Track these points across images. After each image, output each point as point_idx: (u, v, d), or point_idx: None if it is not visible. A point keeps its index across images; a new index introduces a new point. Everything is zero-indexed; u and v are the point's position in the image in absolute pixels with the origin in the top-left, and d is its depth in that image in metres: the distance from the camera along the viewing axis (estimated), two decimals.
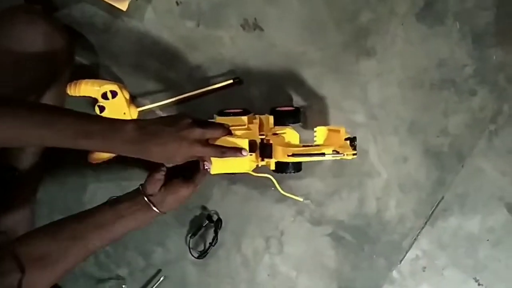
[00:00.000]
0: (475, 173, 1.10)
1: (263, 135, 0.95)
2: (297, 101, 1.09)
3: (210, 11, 1.08)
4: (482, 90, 1.07)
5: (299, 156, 0.88)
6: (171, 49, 1.09)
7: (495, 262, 1.13)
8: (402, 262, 1.14)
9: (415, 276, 1.15)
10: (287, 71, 1.08)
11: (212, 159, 0.86)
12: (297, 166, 0.99)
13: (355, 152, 0.87)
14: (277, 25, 1.07)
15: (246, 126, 0.91)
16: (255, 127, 0.92)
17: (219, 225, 1.14)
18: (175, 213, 1.15)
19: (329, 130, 0.96)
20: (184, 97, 1.07)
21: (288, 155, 0.88)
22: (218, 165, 0.87)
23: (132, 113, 1.03)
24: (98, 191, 1.17)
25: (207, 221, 1.14)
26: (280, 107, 1.01)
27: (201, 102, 1.10)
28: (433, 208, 1.12)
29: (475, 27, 1.05)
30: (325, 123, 1.08)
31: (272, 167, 0.99)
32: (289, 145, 0.95)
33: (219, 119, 0.92)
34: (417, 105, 1.08)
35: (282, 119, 0.99)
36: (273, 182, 1.03)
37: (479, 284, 1.14)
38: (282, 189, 1.05)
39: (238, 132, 0.89)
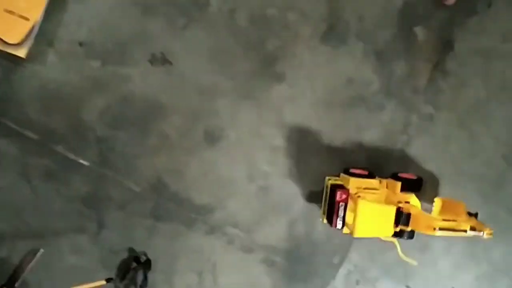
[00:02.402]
0: None
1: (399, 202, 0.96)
2: (214, 131, 1.09)
3: (116, 50, 1.06)
4: (390, 104, 1.11)
5: (444, 231, 0.89)
6: (78, 91, 1.06)
7: (424, 267, 1.15)
8: (336, 278, 1.15)
9: None
10: (201, 103, 1.08)
11: (358, 222, 0.90)
12: (412, 234, 0.99)
13: (491, 231, 0.90)
14: (185, 58, 1.07)
15: (379, 191, 0.95)
16: (386, 192, 0.96)
17: (148, 266, 1.11)
18: (101, 258, 1.10)
19: (447, 201, 0.97)
20: None
21: (434, 229, 0.89)
22: (363, 229, 0.91)
23: None
24: None
25: (135, 263, 1.10)
26: (403, 174, 1.04)
27: None
28: None
29: (377, 45, 1.09)
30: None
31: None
32: (430, 217, 0.94)
33: (352, 181, 0.95)
34: (331, 124, 1.10)
35: (408, 187, 1.02)
36: (396, 245, 1.02)
37: None
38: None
39: (369, 196, 0.93)
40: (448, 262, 1.15)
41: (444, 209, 0.98)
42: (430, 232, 0.91)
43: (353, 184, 0.95)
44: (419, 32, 1.09)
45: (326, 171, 1.10)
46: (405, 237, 0.99)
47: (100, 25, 1.05)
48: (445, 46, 1.10)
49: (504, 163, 1.13)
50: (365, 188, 0.94)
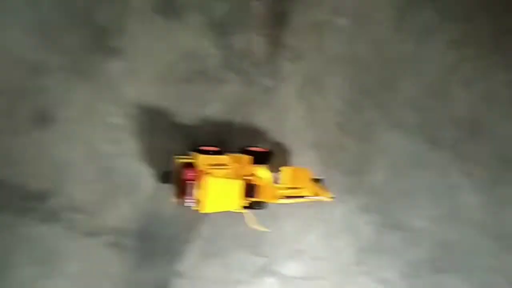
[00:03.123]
0: None
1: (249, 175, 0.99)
2: (44, 110, 1.00)
3: None
4: (231, 77, 1.12)
5: (287, 199, 0.98)
6: None
7: (272, 234, 1.21)
8: (189, 253, 1.16)
9: (200, 264, 1.17)
10: (28, 81, 0.98)
11: (207, 199, 0.90)
12: (261, 204, 1.01)
13: (331, 195, 1.01)
14: (5, 32, 0.96)
15: (229, 166, 0.97)
16: (237, 166, 0.98)
17: None
18: None
19: (292, 170, 1.04)
20: None
21: (280, 198, 0.96)
22: (212, 204, 0.92)
23: None
24: None
25: None
26: (252, 147, 1.05)
27: None
28: None
29: (214, 18, 1.08)
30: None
31: None
32: (274, 187, 1.00)
33: (201, 158, 0.95)
34: (173, 99, 1.08)
35: (258, 160, 1.03)
36: (245, 216, 1.02)
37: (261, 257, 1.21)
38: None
39: (217, 172, 0.93)
40: (293, 226, 1.21)
41: (291, 177, 1.06)
42: (275, 201, 0.99)
43: (202, 161, 0.96)
44: (255, 5, 1.11)
45: (176, 150, 1.09)
46: (256, 208, 1.02)
47: None
48: (281, 19, 1.13)
49: (338, 130, 1.22)
50: (215, 165, 0.95)
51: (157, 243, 1.12)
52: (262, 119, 1.16)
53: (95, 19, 1.00)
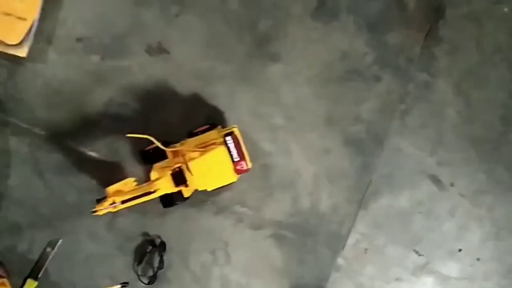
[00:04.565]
0: (395, 152, 1.16)
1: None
2: (215, 115, 1.12)
3: (113, 43, 1.09)
4: (386, 75, 1.12)
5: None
6: (81, 86, 1.09)
7: (430, 231, 1.19)
8: (344, 248, 1.19)
9: (359, 259, 1.20)
10: (200, 89, 1.11)
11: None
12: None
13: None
14: (181, 46, 1.09)
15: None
16: None
17: (163, 248, 1.15)
18: (118, 244, 1.15)
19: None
20: None
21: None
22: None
23: None
24: None
25: (151, 246, 1.15)
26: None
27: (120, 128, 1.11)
28: (363, 193, 1.17)
29: (368, 17, 1.10)
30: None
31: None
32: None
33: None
34: (329, 99, 1.13)
35: None
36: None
37: (419, 255, 1.20)
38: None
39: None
40: (453, 224, 1.17)
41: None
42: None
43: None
44: (410, 1, 1.10)
45: (325, 145, 1.13)
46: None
47: (95, 20, 1.08)
48: (436, 12, 1.11)
49: (501, 124, 1.15)
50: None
51: (316, 237, 1.17)
52: (418, 114, 1.14)
53: (259, 27, 1.08)
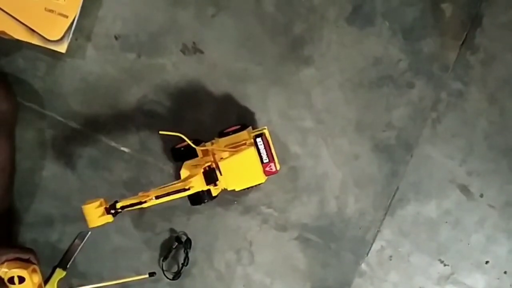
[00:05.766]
0: (424, 160, 1.15)
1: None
2: (246, 116, 1.13)
3: (149, 41, 1.11)
4: (419, 82, 1.12)
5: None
6: (116, 82, 1.12)
7: (457, 242, 1.18)
8: (369, 254, 1.19)
9: (383, 266, 1.19)
10: (232, 89, 1.12)
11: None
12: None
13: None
14: (215, 46, 1.11)
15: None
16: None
17: (189, 245, 1.17)
18: (144, 238, 1.17)
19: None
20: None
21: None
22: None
23: None
24: None
25: (176, 243, 1.17)
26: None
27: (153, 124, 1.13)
28: (390, 199, 1.16)
29: (403, 23, 1.09)
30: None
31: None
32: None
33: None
34: (360, 105, 1.13)
35: None
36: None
37: (444, 265, 1.19)
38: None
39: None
40: (480, 235, 1.16)
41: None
42: None
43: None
44: (446, 8, 1.09)
45: (355, 150, 1.13)
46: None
47: (133, 18, 1.10)
48: (473, 21, 1.10)
49: None
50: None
51: (341, 242, 1.17)
52: (450, 123, 1.13)
53: (293, 30, 1.09)
